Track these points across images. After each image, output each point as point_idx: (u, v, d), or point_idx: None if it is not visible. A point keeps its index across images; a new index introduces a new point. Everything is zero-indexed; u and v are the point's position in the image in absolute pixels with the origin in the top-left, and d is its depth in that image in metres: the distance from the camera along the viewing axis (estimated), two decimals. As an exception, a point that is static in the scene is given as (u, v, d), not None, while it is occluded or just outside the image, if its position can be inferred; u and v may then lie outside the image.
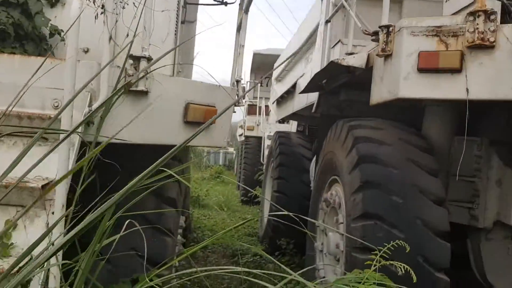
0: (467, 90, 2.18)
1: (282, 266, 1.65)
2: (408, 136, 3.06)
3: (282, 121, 11.43)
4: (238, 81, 2.89)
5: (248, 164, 11.24)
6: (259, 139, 11.45)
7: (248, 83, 12.77)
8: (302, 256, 4.84)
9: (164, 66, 2.59)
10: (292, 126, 9.75)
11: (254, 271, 1.48)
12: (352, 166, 2.95)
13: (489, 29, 2.11)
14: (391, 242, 2.58)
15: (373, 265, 1.64)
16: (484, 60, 2.16)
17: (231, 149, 30.44)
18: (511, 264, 3.18)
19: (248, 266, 5.54)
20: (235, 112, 3.08)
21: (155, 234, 2.63)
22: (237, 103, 2.84)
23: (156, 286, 1.87)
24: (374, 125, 3.16)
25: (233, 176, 18.11)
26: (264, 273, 1.70)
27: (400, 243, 1.83)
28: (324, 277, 3.33)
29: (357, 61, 2.87)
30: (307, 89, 4.08)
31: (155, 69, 2.35)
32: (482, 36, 2.11)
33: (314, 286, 1.51)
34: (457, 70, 2.20)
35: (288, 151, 6.44)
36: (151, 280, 2.07)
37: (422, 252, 2.51)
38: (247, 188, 9.80)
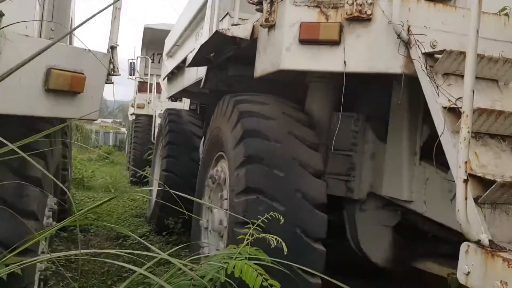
0: (345, 62, 2.20)
1: (149, 245, 1.50)
2: (292, 111, 3.07)
3: (175, 99, 11.11)
4: (113, 48, 2.62)
5: (138, 143, 10.77)
6: (150, 117, 11.01)
7: (139, 58, 12.14)
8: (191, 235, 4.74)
9: (21, 22, 2.23)
10: (185, 105, 9.51)
11: (102, 251, 1.31)
12: (237, 140, 2.89)
13: (366, 1, 2.15)
14: (272, 215, 2.59)
15: (245, 239, 1.57)
16: (361, 33, 2.20)
17: (123, 129, 29.10)
18: (382, 233, 3.40)
19: (133, 247, 5.30)
20: (112, 82, 2.80)
21: (14, 217, 2.30)
22: (111, 72, 2.57)
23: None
24: (260, 100, 3.13)
25: (124, 157, 17.32)
26: (130, 253, 1.54)
27: (274, 215, 1.79)
28: (208, 254, 3.25)
29: (242, 32, 2.78)
30: (194, 63, 3.92)
31: (7, 26, 2.00)
32: (360, 8, 2.14)
33: (184, 265, 1.40)
34: (336, 42, 2.22)
35: (178, 129, 6.24)
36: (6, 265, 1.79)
37: (301, 224, 2.55)
38: (135, 168, 9.38)
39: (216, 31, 2.87)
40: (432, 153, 2.30)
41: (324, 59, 2.26)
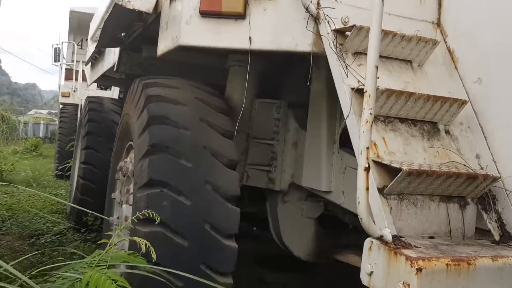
0: (250, 39, 1.97)
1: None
2: (206, 96, 2.82)
3: (105, 87, 10.50)
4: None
5: (63, 134, 10.09)
6: (76, 107, 10.33)
7: (64, 44, 11.36)
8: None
9: None
10: (114, 93, 8.99)
11: None
12: (142, 128, 2.60)
13: (272, -30, 1.92)
14: (178, 210, 2.34)
15: (109, 244, 1.31)
16: (268, 6, 1.99)
17: (57, 120, 27.50)
18: (305, 225, 3.27)
19: (46, 246, 4.87)
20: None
21: None
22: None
23: None
24: (171, 83, 2.84)
25: (54, 149, 16.33)
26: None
27: (149, 213, 1.53)
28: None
29: (144, 4, 2.47)
30: (102, 42, 3.55)
31: None
32: (265, -22, 1.92)
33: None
34: (241, 16, 1.98)
35: (99, 118, 5.80)
36: None
37: (210, 219, 2.32)
38: (56, 161, 8.75)
39: (115, 3, 2.54)
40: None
41: (227, 35, 2.02)
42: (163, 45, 2.34)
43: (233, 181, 2.50)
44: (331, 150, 2.69)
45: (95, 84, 10.27)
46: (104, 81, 6.67)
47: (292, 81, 3.35)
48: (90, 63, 7.26)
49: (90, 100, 6.25)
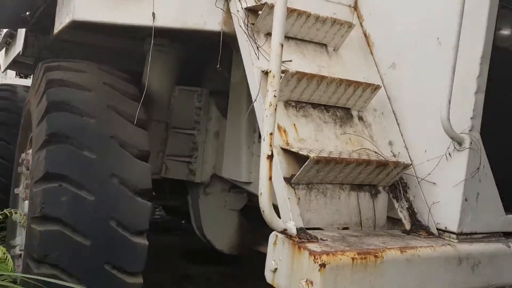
0: (154, 15, 1.79)
1: None
2: (116, 81, 2.60)
3: (25, 75, 9.74)
4: None
5: (-23, 126, 9.22)
6: (-7, 96, 9.49)
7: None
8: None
9: None
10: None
11: None
12: (41, 116, 2.33)
13: None
14: (78, 206, 2.12)
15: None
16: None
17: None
18: (228, 218, 3.16)
19: None
20: None
21: None
22: None
23: None
24: (76, 67, 2.59)
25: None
26: None
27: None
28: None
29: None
30: (3, 22, 3.19)
31: None
32: None
33: None
34: (143, -10, 1.79)
35: (11, 107, 5.30)
36: None
37: (116, 215, 2.13)
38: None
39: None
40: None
41: (128, 10, 1.82)
42: (59, 22, 2.09)
43: (144, 173, 2.31)
44: (251, 140, 2.58)
45: (14, 72, 9.51)
46: (18, 68, 6.15)
47: (214, 68, 3.21)
48: (4, 48, 6.68)
49: (2, 88, 5.75)
